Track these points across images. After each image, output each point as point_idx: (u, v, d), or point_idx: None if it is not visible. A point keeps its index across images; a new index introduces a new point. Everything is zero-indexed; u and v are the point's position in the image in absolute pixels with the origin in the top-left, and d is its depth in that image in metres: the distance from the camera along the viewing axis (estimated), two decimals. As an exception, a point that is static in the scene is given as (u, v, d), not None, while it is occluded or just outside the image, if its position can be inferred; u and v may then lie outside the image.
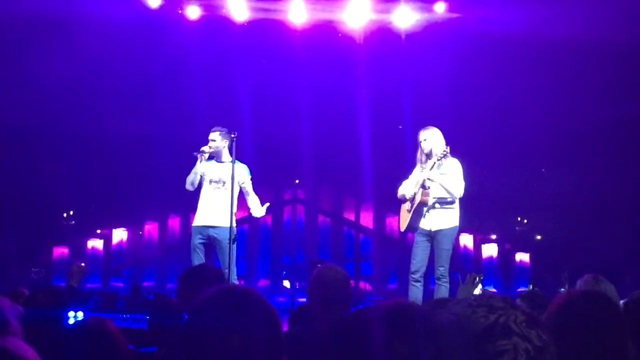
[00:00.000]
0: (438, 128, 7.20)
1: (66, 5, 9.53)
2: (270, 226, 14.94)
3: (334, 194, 14.88)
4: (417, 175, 7.17)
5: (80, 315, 7.48)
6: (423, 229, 7.08)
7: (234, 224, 7.31)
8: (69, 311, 5.46)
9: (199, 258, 7.44)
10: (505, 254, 14.29)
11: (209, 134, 7.64)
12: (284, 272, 13.61)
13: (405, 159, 8.58)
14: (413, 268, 7.00)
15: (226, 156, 7.59)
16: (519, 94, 11.57)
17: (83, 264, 6.11)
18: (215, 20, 10.62)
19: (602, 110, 11.53)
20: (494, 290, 13.02)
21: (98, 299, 10.69)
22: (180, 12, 10.63)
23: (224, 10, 10.49)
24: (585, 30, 9.73)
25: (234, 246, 7.30)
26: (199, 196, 7.62)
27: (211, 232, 7.41)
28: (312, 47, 10.96)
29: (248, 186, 7.63)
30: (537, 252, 13.95)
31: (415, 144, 7.35)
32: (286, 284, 13.32)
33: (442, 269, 6.91)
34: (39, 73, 10.48)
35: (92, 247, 13.97)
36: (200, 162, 7.48)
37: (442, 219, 7.02)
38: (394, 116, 12.05)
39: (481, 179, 9.64)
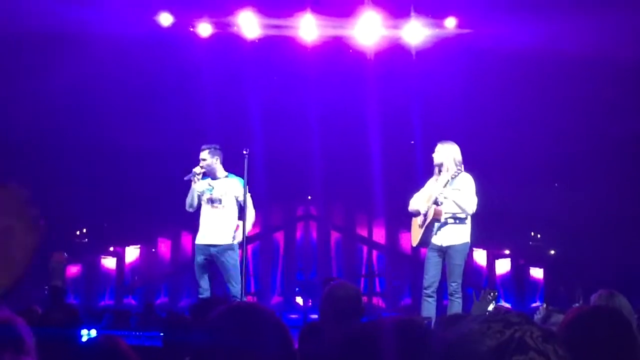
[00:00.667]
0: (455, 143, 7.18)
1: (80, 22, 9.63)
2: (282, 243, 14.94)
3: (346, 210, 14.87)
4: (430, 189, 7.15)
5: (93, 333, 7.50)
6: (435, 244, 7.06)
7: (239, 238, 7.35)
8: (82, 329, 5.46)
9: (203, 276, 7.47)
10: (519, 269, 14.20)
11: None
12: (297, 289, 13.59)
13: (416, 174, 8.57)
14: (426, 283, 6.98)
15: (221, 172, 7.61)
16: (531, 109, 11.55)
17: (63, 253, 5.91)
18: (226, 37, 10.69)
19: (614, 125, 11.49)
20: (508, 305, 12.94)
21: (111, 316, 10.70)
22: (191, 29, 10.70)
23: (235, 28, 10.56)
24: (596, 47, 9.72)
25: (237, 263, 7.32)
26: (199, 215, 7.64)
27: (212, 250, 7.43)
28: (323, 63, 11.00)
29: (242, 200, 7.59)
30: (551, 267, 13.86)
31: (428, 159, 7.35)
32: (299, 300, 13.29)
33: (455, 285, 6.88)
34: (53, 89, 10.58)
35: (105, 265, 14.01)
36: (195, 182, 7.50)
37: (454, 235, 7.00)
38: (405, 132, 12.05)
39: (494, 194, 9.60)
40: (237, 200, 7.55)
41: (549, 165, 12.58)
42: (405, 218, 8.05)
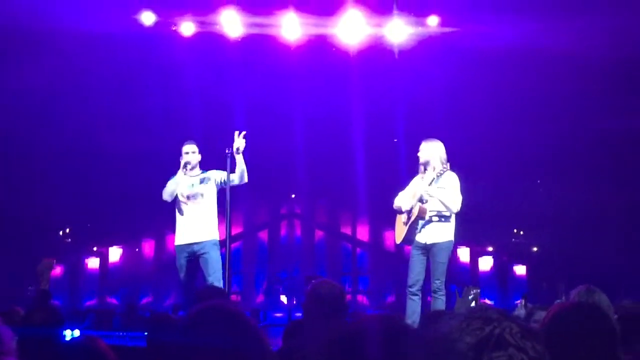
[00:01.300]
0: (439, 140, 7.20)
1: (60, 20, 9.55)
2: (266, 241, 14.93)
3: (330, 208, 14.89)
4: (415, 186, 7.16)
5: (76, 333, 7.46)
6: (419, 242, 7.08)
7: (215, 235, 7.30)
8: (65, 329, 5.43)
9: (187, 279, 7.37)
10: (502, 267, 14.29)
11: (183, 147, 7.52)
12: (280, 288, 13.59)
13: (400, 172, 8.59)
14: (410, 282, 7.00)
15: (197, 170, 7.53)
16: (514, 107, 11.61)
17: (53, 259, 5.94)
18: (209, 36, 10.65)
19: (597, 123, 11.57)
20: (491, 302, 13.01)
21: (94, 316, 10.66)
22: (174, 28, 10.66)
23: (217, 27, 10.52)
24: (580, 44, 9.79)
25: (220, 260, 7.25)
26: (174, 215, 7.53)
27: (195, 248, 7.32)
28: (306, 61, 11.00)
29: (223, 174, 7.46)
30: (534, 264, 13.95)
31: (411, 157, 7.36)
32: (283, 299, 13.30)
33: (438, 282, 6.90)
34: (33, 89, 10.50)
35: (88, 265, 13.94)
36: (185, 173, 7.40)
37: (438, 233, 7.02)
38: (389, 130, 12.08)
39: (477, 191, 9.64)
40: (220, 184, 7.45)
41: (532, 163, 12.65)
42: (388, 216, 8.07)
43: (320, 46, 10.84)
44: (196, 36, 10.69)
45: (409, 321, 6.12)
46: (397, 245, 7.86)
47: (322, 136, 12.48)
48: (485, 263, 14.27)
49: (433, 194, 6.91)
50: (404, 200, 7.26)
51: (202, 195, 7.36)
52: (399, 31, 10.55)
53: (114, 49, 10.61)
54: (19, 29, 9.64)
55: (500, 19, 9.93)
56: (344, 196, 13.74)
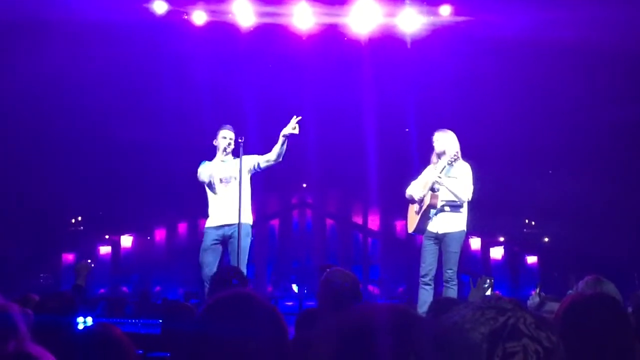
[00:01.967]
0: (452, 131, 7.20)
1: (73, 11, 9.56)
2: (277, 230, 14.96)
3: (341, 197, 14.90)
4: (427, 175, 7.16)
5: (89, 320, 7.52)
6: (430, 232, 7.08)
7: (249, 220, 7.30)
8: (78, 317, 5.47)
9: (209, 262, 7.33)
10: (513, 257, 14.26)
11: (219, 131, 7.55)
12: (292, 277, 13.62)
13: (411, 162, 8.58)
14: (422, 271, 7.00)
15: (230, 155, 7.54)
16: (527, 97, 11.56)
17: (89, 261, 6.08)
18: (221, 25, 10.64)
19: (609, 113, 11.51)
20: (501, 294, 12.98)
21: (106, 304, 10.72)
22: (186, 17, 10.65)
23: (230, 16, 10.51)
24: (593, 33, 9.71)
25: (247, 248, 7.24)
26: (206, 199, 7.55)
27: (228, 231, 7.33)
28: (318, 51, 10.97)
29: (259, 157, 7.50)
30: (545, 255, 13.92)
31: (423, 147, 7.36)
32: (294, 288, 13.33)
33: (450, 272, 6.90)
34: (46, 79, 10.53)
35: (101, 253, 14.02)
36: (225, 154, 7.43)
37: (450, 222, 7.02)
38: (401, 120, 12.05)
39: (489, 182, 9.63)
40: (254, 168, 7.47)
41: (543, 153, 12.60)
42: (399, 205, 8.06)
43: (332, 36, 10.80)
44: (208, 25, 10.68)
45: (420, 311, 6.12)
46: (408, 235, 7.85)
47: (333, 126, 12.47)
48: (497, 253, 14.25)
49: (443, 182, 6.91)
50: (415, 189, 7.27)
51: (235, 178, 7.35)
52: (411, 20, 10.51)
53: (126, 39, 10.60)
54: (32, 19, 9.66)
55: (514, 8, 9.86)
56: (355, 186, 13.73)
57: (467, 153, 7.22)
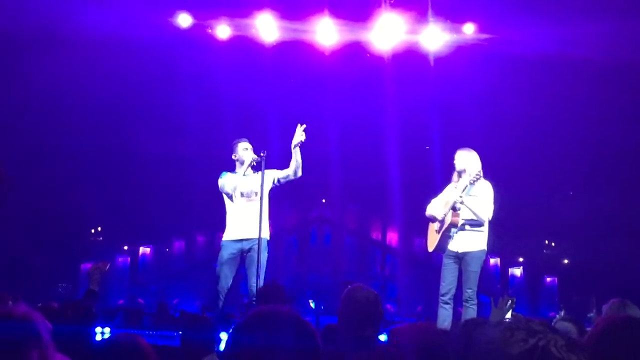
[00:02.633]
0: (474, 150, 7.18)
1: (100, 25, 9.67)
2: (295, 245, 14.95)
3: (360, 213, 14.87)
4: (448, 194, 7.14)
5: (107, 331, 7.53)
6: (451, 251, 7.04)
7: (267, 235, 7.30)
8: (96, 327, 5.48)
9: (226, 274, 7.33)
10: (533, 278, 14.15)
11: (238, 144, 7.57)
12: (308, 292, 13.58)
13: (433, 179, 8.56)
14: (442, 290, 6.96)
15: (249, 169, 7.54)
16: (548, 117, 11.50)
17: (104, 263, 6.00)
18: (244, 40, 10.70)
19: (633, 132, 11.41)
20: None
21: (124, 315, 10.73)
22: (209, 31, 10.73)
23: (253, 31, 10.57)
24: (617, 51, 9.65)
25: (265, 263, 7.22)
26: (225, 212, 7.54)
27: (246, 245, 7.32)
28: (341, 67, 11.00)
29: (279, 172, 7.50)
30: (565, 276, 13.79)
31: (444, 164, 7.34)
32: (311, 304, 13.28)
33: (470, 291, 6.86)
34: (71, 92, 10.64)
35: (119, 264, 14.08)
36: (250, 165, 7.44)
37: (471, 241, 6.98)
38: (422, 137, 12.03)
39: (509, 202, 9.57)
40: (273, 183, 7.46)
41: (565, 173, 12.51)
42: (419, 223, 8.03)
43: (354, 52, 10.84)
44: (231, 40, 10.75)
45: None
46: (427, 253, 7.81)
47: (354, 142, 12.46)
48: (516, 273, 14.15)
49: (465, 202, 6.88)
50: (436, 208, 7.24)
51: (256, 193, 7.33)
52: (434, 38, 10.52)
53: (151, 52, 10.70)
54: (57, 33, 9.76)
55: (537, 26, 9.84)
56: (374, 202, 13.71)
57: (488, 172, 7.19)
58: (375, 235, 14.93)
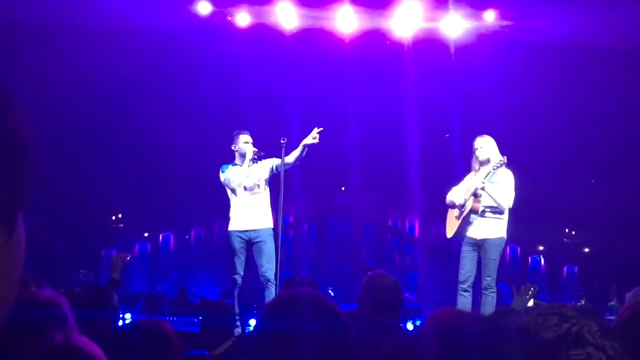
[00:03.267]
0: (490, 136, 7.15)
1: (119, 14, 9.68)
2: (314, 233, 14.96)
3: (379, 201, 14.85)
4: (469, 182, 7.11)
5: (128, 317, 7.59)
6: (470, 238, 7.02)
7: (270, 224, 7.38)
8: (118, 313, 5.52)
9: (240, 262, 7.44)
10: (553, 266, 14.08)
11: (239, 136, 7.58)
12: (328, 280, 13.58)
13: (453, 167, 8.52)
14: (461, 278, 6.95)
15: (250, 161, 7.56)
16: (570, 103, 11.40)
17: (126, 253, 6.07)
18: (264, 28, 10.68)
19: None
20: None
21: (144, 301, 10.82)
22: (229, 19, 10.71)
23: (273, 18, 10.55)
24: (640, 38, 9.55)
25: (273, 251, 7.31)
26: (228, 201, 7.59)
27: (252, 235, 7.39)
28: (361, 55, 10.95)
29: (275, 160, 7.54)
30: (586, 265, 13.72)
31: (464, 153, 7.30)
32: (330, 292, 13.31)
33: (490, 279, 6.85)
34: (92, 80, 10.69)
35: (140, 250, 14.18)
36: (253, 163, 7.48)
37: (490, 229, 6.95)
38: (442, 125, 11.97)
39: (529, 190, 9.52)
40: (272, 171, 7.50)
41: (586, 161, 12.42)
42: (439, 211, 8.01)
43: (374, 39, 10.78)
44: (251, 27, 10.73)
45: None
46: (446, 241, 7.80)
47: (374, 129, 12.43)
48: (536, 262, 14.09)
49: (487, 188, 6.84)
50: (457, 195, 7.21)
51: (258, 185, 7.42)
52: (455, 25, 10.44)
53: (170, 39, 10.72)
54: (78, 22, 9.80)
55: (559, 12, 9.73)
56: (394, 190, 13.67)
57: (510, 160, 7.15)
58: (394, 223, 14.91)
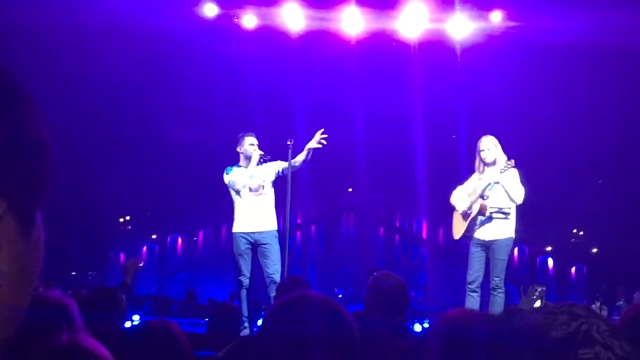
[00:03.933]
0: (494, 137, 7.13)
1: (127, 16, 9.71)
2: (322, 234, 14.97)
3: (387, 202, 14.85)
4: (476, 183, 7.08)
5: (136, 318, 7.60)
6: (478, 239, 7.00)
7: (275, 226, 7.38)
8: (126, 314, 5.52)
9: (246, 263, 7.43)
10: (561, 267, 14.05)
11: (245, 138, 7.59)
12: (335, 280, 13.57)
13: (458, 168, 8.51)
14: (470, 278, 6.93)
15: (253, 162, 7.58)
16: (577, 104, 11.37)
17: (138, 259, 6.12)
18: (270, 30, 10.68)
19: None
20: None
21: (153, 302, 10.84)
22: (236, 21, 10.72)
23: (279, 20, 10.55)
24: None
25: (279, 253, 7.31)
26: (232, 203, 7.60)
27: (257, 237, 7.40)
28: (367, 56, 10.95)
29: (281, 163, 7.55)
30: (594, 265, 13.68)
31: (470, 154, 7.27)
32: (339, 291, 13.30)
33: (498, 280, 6.82)
34: (100, 81, 10.72)
35: (147, 252, 14.21)
36: (259, 164, 7.49)
37: (498, 229, 6.93)
38: (448, 126, 11.96)
39: (536, 190, 9.49)
40: (278, 173, 7.51)
41: (593, 162, 12.38)
42: (446, 212, 7.99)
43: (380, 41, 10.78)
44: (258, 29, 10.74)
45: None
46: (454, 241, 7.77)
47: (381, 131, 12.43)
48: (544, 263, 14.06)
49: (502, 182, 6.80)
50: (459, 198, 7.20)
51: (263, 186, 7.43)
52: (461, 26, 10.43)
53: (177, 41, 10.73)
54: (85, 23, 9.83)
55: (566, 13, 9.70)
56: (401, 191, 13.67)
57: (517, 161, 7.12)
58: (402, 224, 14.91)
